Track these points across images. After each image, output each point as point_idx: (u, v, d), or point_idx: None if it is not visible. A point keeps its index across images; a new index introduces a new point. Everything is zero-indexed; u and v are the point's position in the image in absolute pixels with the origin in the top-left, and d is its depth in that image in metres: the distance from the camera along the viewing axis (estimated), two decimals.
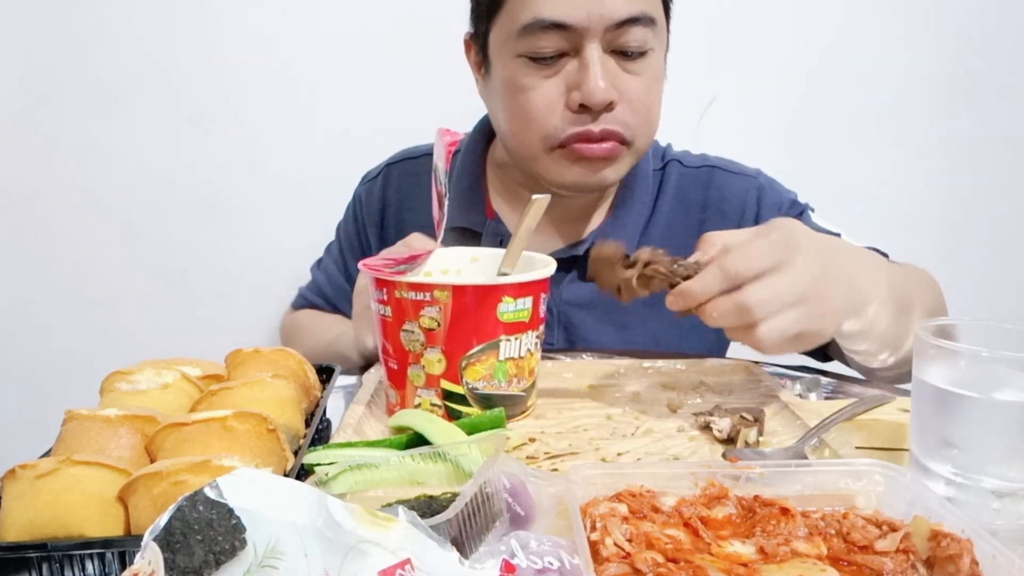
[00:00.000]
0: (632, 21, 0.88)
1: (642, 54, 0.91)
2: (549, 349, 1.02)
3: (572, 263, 1.07)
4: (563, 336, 1.08)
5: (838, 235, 1.00)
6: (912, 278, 0.91)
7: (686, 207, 1.10)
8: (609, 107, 0.90)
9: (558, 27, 0.87)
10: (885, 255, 0.98)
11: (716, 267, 0.67)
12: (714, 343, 1.08)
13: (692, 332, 1.08)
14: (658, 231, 1.09)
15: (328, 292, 1.24)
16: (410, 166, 1.19)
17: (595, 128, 0.91)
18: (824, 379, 0.91)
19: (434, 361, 0.72)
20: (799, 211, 1.09)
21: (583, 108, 0.90)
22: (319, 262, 1.30)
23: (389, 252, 0.85)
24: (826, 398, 0.85)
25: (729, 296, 0.66)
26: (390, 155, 1.24)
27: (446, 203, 0.75)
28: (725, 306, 0.66)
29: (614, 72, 0.90)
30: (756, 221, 1.08)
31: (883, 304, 0.74)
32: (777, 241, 0.67)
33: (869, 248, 0.97)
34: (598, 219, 1.09)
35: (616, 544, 0.46)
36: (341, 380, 0.85)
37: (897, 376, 0.89)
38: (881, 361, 0.81)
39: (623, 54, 0.90)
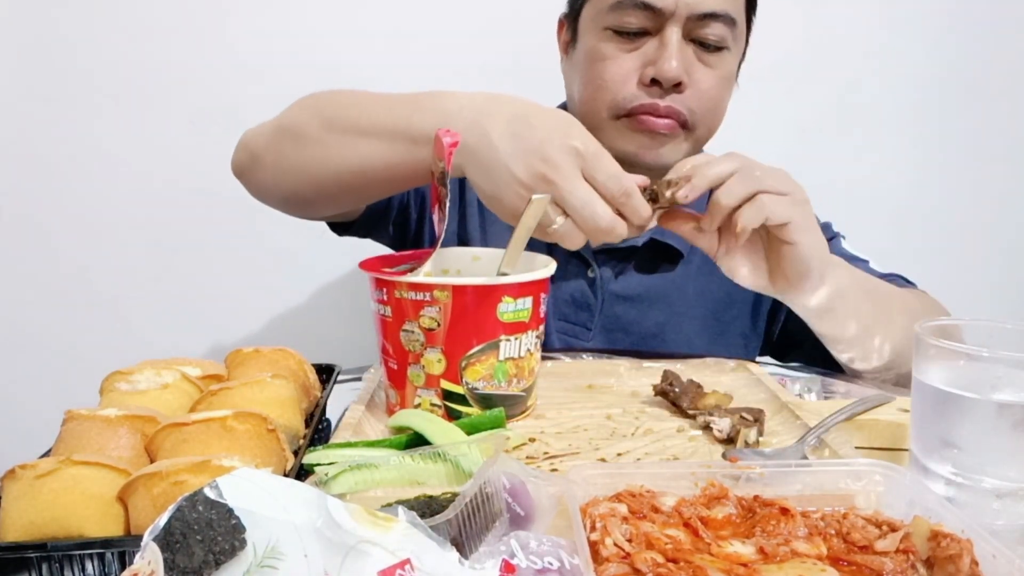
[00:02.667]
0: (714, 16, 0.93)
1: (718, 49, 0.96)
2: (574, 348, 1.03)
3: (630, 254, 1.09)
4: (601, 324, 1.09)
5: (867, 262, 1.03)
6: (905, 298, 0.93)
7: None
8: (678, 87, 0.95)
9: (646, 7, 0.92)
10: (911, 283, 1.02)
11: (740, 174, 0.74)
12: (741, 350, 1.09)
13: (721, 336, 1.10)
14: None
15: None
16: None
17: (661, 103, 0.95)
18: (824, 379, 0.92)
19: (434, 361, 0.72)
20: (831, 236, 1.09)
21: (654, 83, 0.94)
22: None
23: None
24: (826, 398, 0.85)
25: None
26: None
27: (447, 205, 0.75)
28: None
29: (689, 59, 0.95)
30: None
31: (850, 283, 0.83)
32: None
33: (896, 274, 1.02)
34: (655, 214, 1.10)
35: (616, 544, 0.46)
36: (341, 380, 0.85)
37: (892, 379, 0.90)
38: (855, 354, 0.87)
39: (701, 45, 0.95)
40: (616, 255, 1.09)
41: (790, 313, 1.05)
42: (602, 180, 0.70)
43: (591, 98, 0.99)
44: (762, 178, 0.75)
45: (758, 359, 1.11)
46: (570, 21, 1.05)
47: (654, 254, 1.08)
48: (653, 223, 0.78)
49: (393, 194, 0.96)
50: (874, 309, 0.87)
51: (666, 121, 0.96)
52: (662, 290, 1.09)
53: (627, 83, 0.96)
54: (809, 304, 0.82)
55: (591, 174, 0.70)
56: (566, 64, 1.08)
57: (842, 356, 0.89)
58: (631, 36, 0.95)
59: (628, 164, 1.00)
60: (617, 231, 0.71)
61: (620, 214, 0.72)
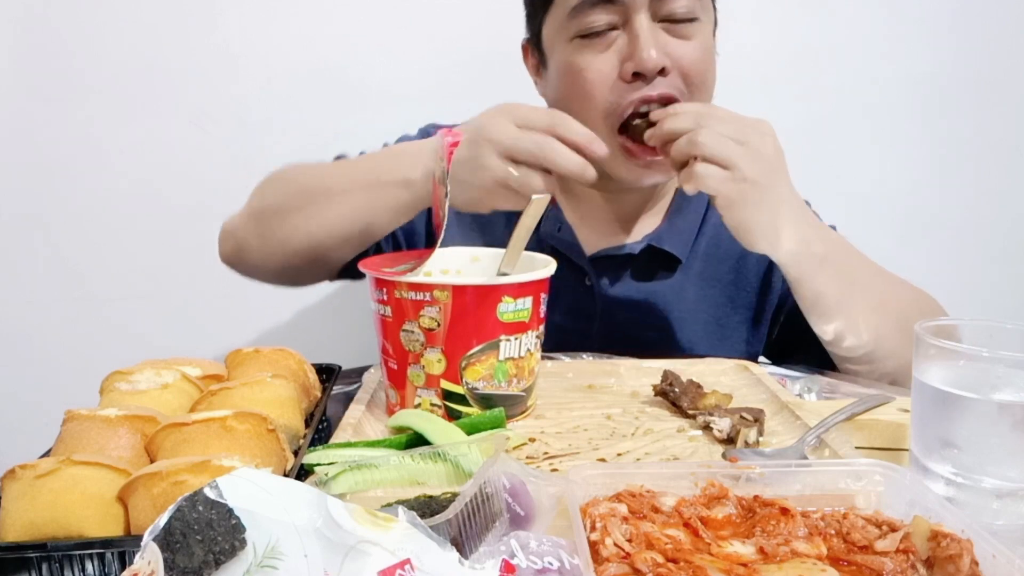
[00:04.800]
0: None
1: (690, 20, 0.93)
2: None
3: (626, 262, 1.08)
4: (601, 332, 1.08)
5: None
6: (895, 282, 0.94)
7: None
8: (663, 72, 0.92)
9: (606, 2, 0.91)
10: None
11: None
12: (743, 353, 1.09)
13: (724, 341, 1.10)
14: (705, 241, 1.09)
15: None
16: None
17: (653, 92, 0.93)
18: (823, 379, 0.91)
19: (434, 361, 0.72)
20: None
21: (637, 77, 0.92)
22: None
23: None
24: (826, 398, 0.85)
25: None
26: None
27: (447, 204, 0.75)
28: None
29: (664, 40, 0.92)
30: None
31: (825, 254, 0.86)
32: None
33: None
34: (652, 221, 1.10)
35: (616, 544, 0.46)
36: (341, 380, 0.85)
37: (886, 372, 0.91)
38: (837, 327, 0.89)
39: (672, 22, 0.93)
40: (613, 263, 1.07)
41: (789, 315, 1.05)
42: (533, 121, 0.80)
43: (580, 110, 0.94)
44: (714, 143, 0.80)
45: (758, 360, 1.11)
46: (533, 45, 1.04)
47: (651, 261, 1.07)
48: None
49: (377, 240, 0.96)
50: (855, 283, 0.88)
51: (656, 158, 0.94)
52: (662, 297, 1.08)
53: (611, 85, 0.93)
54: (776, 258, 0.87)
55: (523, 124, 0.80)
56: (542, 87, 1.06)
57: (826, 333, 0.90)
58: (599, 35, 0.93)
59: (633, 182, 1.02)
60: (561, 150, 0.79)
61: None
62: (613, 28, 0.92)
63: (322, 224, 0.93)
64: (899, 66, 1.64)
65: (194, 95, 1.53)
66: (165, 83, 1.52)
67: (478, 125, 0.82)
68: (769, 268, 1.08)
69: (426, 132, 1.16)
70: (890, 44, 1.63)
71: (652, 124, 0.87)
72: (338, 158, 1.11)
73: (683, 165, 0.84)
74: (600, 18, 0.92)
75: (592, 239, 1.08)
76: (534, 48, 1.04)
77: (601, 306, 1.08)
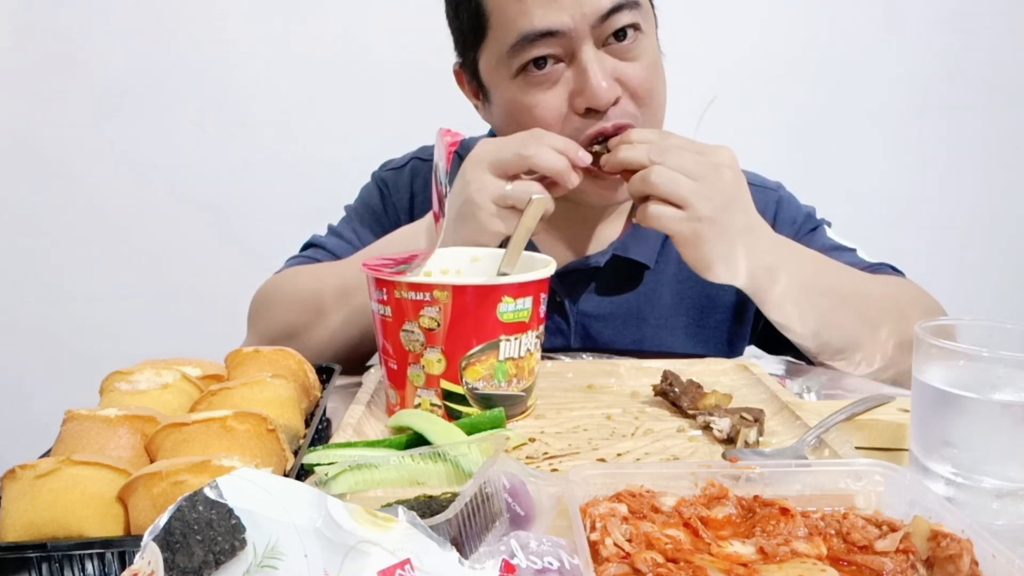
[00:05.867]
0: (617, 8, 0.87)
1: (634, 38, 0.90)
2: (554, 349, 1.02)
3: (592, 275, 1.06)
4: (579, 346, 1.07)
5: (853, 250, 1.02)
6: (873, 287, 0.93)
7: None
8: (615, 102, 0.90)
9: (547, 36, 0.86)
10: (900, 272, 1.01)
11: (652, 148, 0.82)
12: (726, 353, 1.08)
13: (706, 343, 1.08)
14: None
15: (344, 256, 1.08)
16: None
17: (607, 124, 0.90)
18: (823, 379, 0.91)
19: (434, 361, 0.72)
20: (814, 226, 1.08)
21: (590, 111, 0.90)
22: (306, 246, 1.14)
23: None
24: (826, 398, 0.85)
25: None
26: (399, 151, 1.21)
27: (447, 203, 0.75)
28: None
29: (611, 66, 0.89)
30: None
31: (788, 271, 0.86)
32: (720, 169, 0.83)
33: (884, 263, 1.01)
34: (614, 226, 1.08)
35: (616, 544, 0.46)
36: (341, 380, 0.85)
37: (850, 366, 0.92)
38: (805, 334, 0.90)
39: (616, 41, 0.89)
40: (581, 276, 1.05)
41: None
42: (509, 143, 0.84)
43: None
44: (667, 183, 0.80)
45: (758, 360, 1.10)
46: (468, 72, 1.00)
47: (618, 271, 1.05)
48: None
49: None
50: (830, 304, 0.88)
51: (615, 178, 0.91)
52: (635, 306, 1.06)
53: (563, 120, 0.91)
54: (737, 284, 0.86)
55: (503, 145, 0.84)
56: (484, 112, 1.03)
57: (798, 336, 0.91)
58: (544, 73, 0.89)
59: (598, 204, 1.02)
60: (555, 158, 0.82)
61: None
62: (558, 61, 0.89)
63: (335, 336, 0.93)
64: (899, 66, 1.64)
65: (194, 95, 1.53)
66: (165, 83, 1.52)
67: (461, 171, 0.85)
68: None
69: (414, 158, 1.16)
70: (890, 44, 1.63)
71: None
72: (307, 247, 1.11)
73: (641, 198, 0.83)
74: (543, 50, 0.88)
75: (555, 252, 1.05)
76: (470, 77, 1.00)
77: (575, 321, 1.06)
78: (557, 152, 0.82)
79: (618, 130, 0.91)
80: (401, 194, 1.16)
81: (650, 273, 1.06)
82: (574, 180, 0.82)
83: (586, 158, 0.83)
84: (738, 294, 1.08)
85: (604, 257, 1.04)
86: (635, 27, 0.89)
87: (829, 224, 1.09)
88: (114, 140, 1.54)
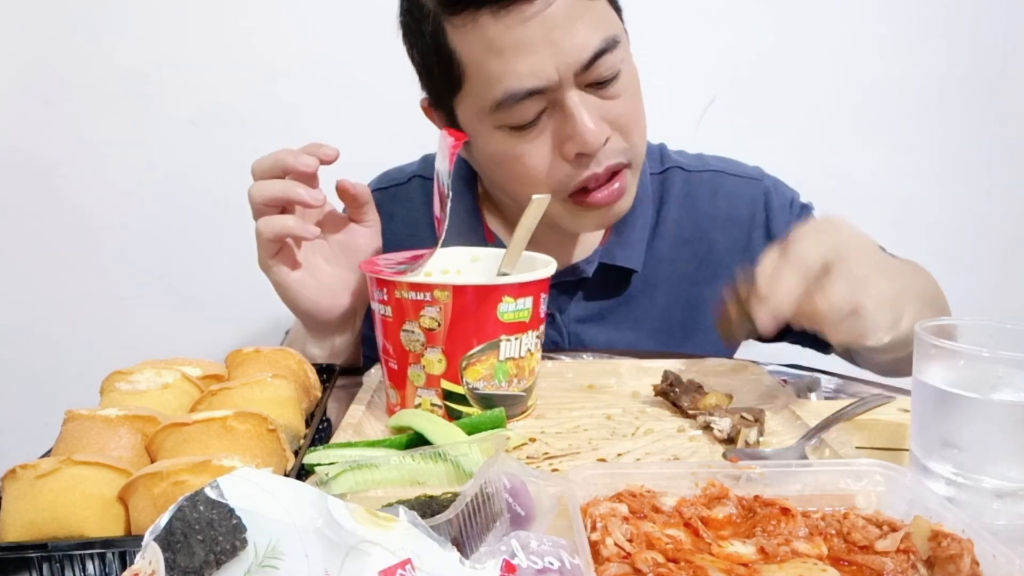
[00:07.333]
0: (601, 52, 0.83)
1: (615, 76, 0.87)
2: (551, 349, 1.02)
3: (579, 285, 1.05)
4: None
5: None
6: (921, 278, 0.92)
7: (695, 216, 1.08)
8: (605, 143, 0.88)
9: (531, 94, 0.83)
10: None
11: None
12: (724, 349, 1.08)
13: (706, 340, 1.07)
14: (665, 244, 1.06)
15: None
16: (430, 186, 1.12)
17: (599, 169, 0.88)
18: (824, 379, 0.91)
19: (434, 361, 0.72)
20: (804, 210, 1.08)
21: (581, 155, 0.87)
22: None
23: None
24: (826, 398, 0.85)
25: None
26: (399, 151, 1.19)
27: (448, 204, 0.75)
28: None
29: (596, 106, 0.86)
30: (767, 226, 1.07)
31: (912, 309, 0.72)
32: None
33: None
34: (597, 234, 1.06)
35: (616, 544, 0.46)
36: (341, 380, 0.85)
37: (891, 363, 0.89)
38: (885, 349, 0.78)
39: (599, 85, 0.86)
40: (569, 287, 1.04)
41: None
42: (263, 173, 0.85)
43: (523, 194, 0.87)
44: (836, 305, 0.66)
45: (758, 360, 1.10)
46: (444, 114, 0.94)
47: (606, 277, 1.04)
48: None
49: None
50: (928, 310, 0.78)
51: (615, 187, 0.90)
52: (627, 309, 1.05)
53: (554, 169, 0.88)
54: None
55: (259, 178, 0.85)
56: (463, 151, 0.98)
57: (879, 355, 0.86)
58: (530, 124, 0.86)
59: (591, 231, 1.01)
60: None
61: None
62: (543, 112, 0.86)
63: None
64: (900, 66, 1.64)
65: (195, 95, 1.53)
66: (165, 83, 1.52)
67: None
68: (744, 249, 1.05)
69: (416, 176, 1.14)
70: (890, 44, 1.63)
71: None
72: None
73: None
74: (530, 109, 0.85)
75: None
76: (444, 115, 0.94)
77: (567, 332, 1.06)
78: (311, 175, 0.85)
79: (610, 173, 0.89)
80: (400, 219, 1.12)
81: (638, 276, 1.05)
82: (322, 198, 0.85)
83: (332, 153, 0.87)
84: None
85: (591, 266, 1.03)
86: (616, 67, 0.86)
87: (813, 208, 1.09)
88: (113, 140, 1.54)
